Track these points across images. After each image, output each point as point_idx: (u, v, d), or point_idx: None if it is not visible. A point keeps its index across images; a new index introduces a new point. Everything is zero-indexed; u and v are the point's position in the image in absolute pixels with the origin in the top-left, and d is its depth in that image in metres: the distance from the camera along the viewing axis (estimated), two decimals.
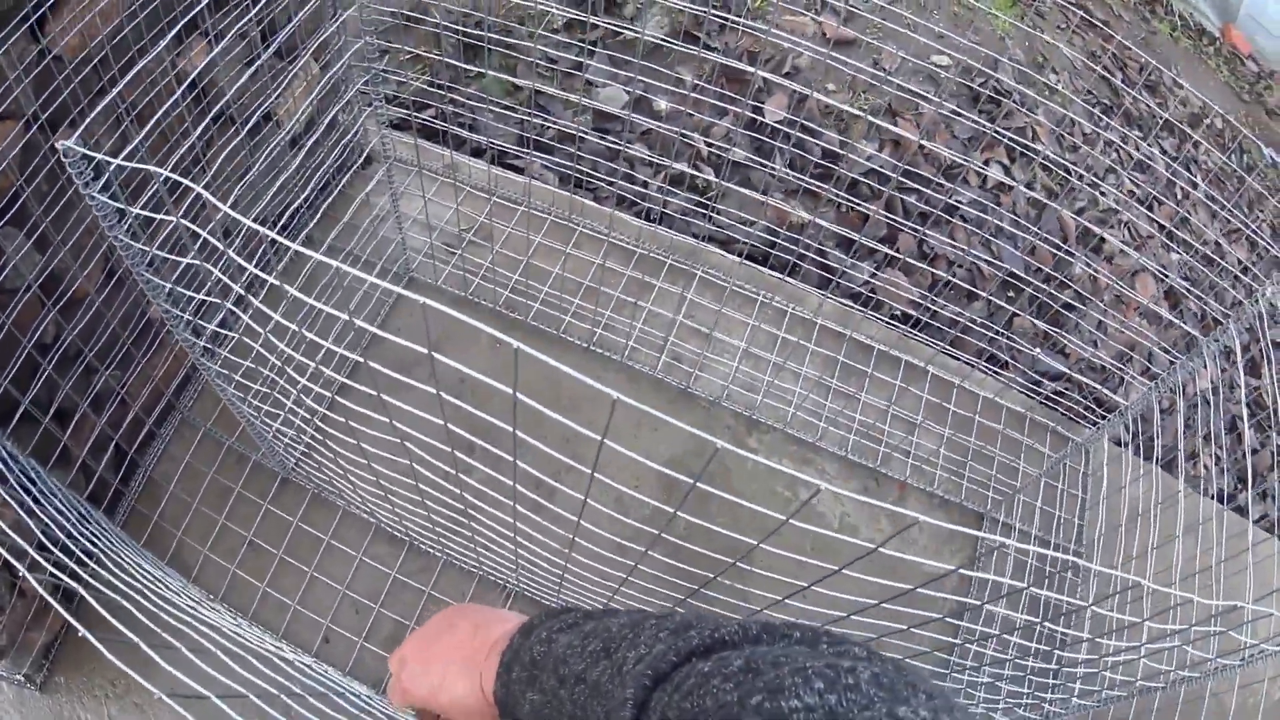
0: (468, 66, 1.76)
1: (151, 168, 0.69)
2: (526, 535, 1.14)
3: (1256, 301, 1.37)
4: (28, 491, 1.13)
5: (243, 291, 0.73)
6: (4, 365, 1.18)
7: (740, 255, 1.81)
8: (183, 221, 0.70)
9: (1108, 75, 2.67)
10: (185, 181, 0.67)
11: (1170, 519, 1.69)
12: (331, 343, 0.71)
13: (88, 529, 1.16)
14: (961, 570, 1.06)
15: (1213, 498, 2.04)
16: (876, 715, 0.43)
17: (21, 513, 1.02)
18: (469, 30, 1.71)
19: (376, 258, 1.74)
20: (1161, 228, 2.42)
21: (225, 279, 0.73)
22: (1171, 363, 1.54)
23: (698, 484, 0.58)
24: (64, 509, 1.16)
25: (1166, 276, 1.84)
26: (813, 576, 0.69)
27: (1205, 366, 1.51)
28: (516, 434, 0.61)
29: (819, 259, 1.81)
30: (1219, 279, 1.72)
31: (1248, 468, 2.20)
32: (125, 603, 0.77)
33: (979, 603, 0.68)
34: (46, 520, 1.08)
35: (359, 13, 1.29)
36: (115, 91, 0.83)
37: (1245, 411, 1.37)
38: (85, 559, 1.05)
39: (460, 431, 0.71)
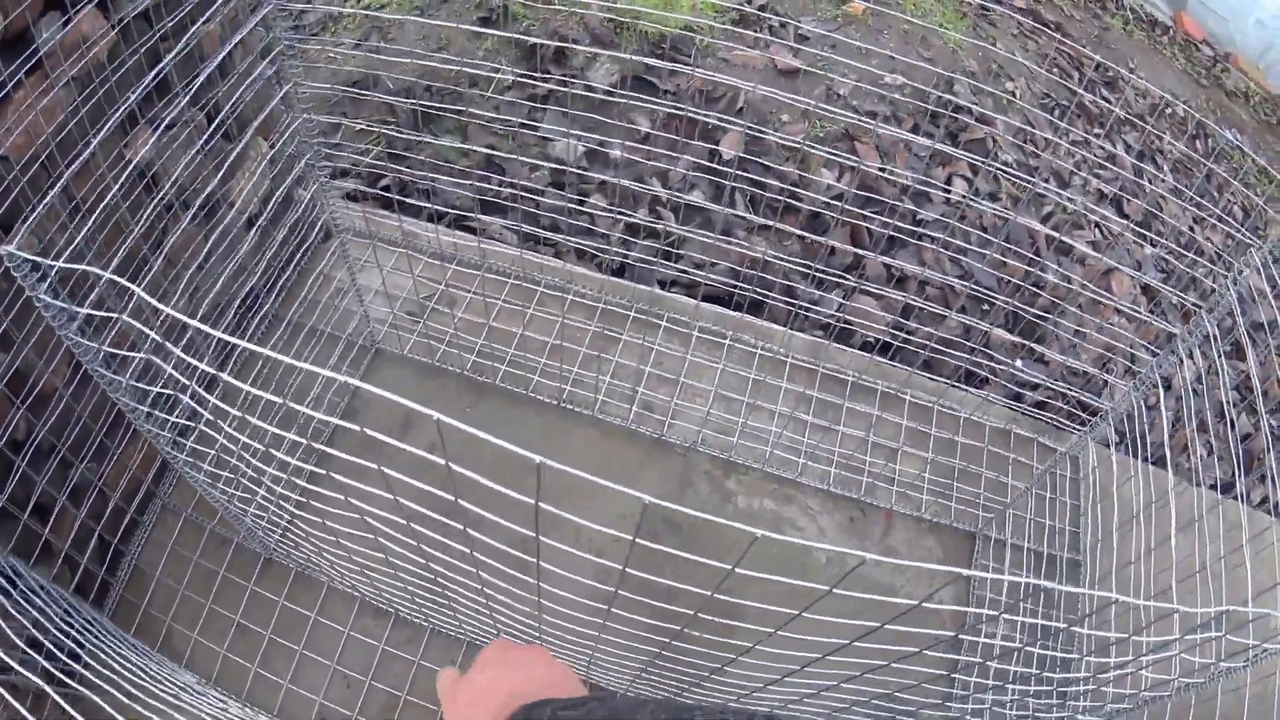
0: (418, 135, 1.75)
1: (88, 268, 0.68)
2: (505, 602, 1.12)
3: (1228, 287, 1.34)
4: (7, 594, 1.11)
5: (198, 388, 0.72)
6: None
7: (704, 299, 1.79)
8: (125, 319, 0.69)
9: (1063, 77, 2.65)
10: (121, 280, 0.66)
11: (1167, 516, 1.65)
12: (299, 427, 0.70)
13: (74, 624, 1.14)
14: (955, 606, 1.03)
15: (1212, 487, 2.00)
16: None
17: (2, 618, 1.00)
18: (418, 98, 1.70)
19: (341, 331, 1.72)
20: (1132, 223, 2.39)
21: (178, 375, 0.72)
22: (1154, 356, 1.51)
23: (678, 523, 0.56)
24: (48, 605, 1.14)
25: (1140, 273, 1.81)
26: (801, 621, 0.67)
27: (1185, 359, 1.48)
28: (490, 509, 0.59)
29: (785, 294, 1.79)
30: (1193, 269, 1.69)
31: (1237, 454, 2.16)
32: (115, 693, 0.75)
33: (977, 637, 0.65)
34: (30, 620, 1.06)
35: (293, 89, 1.27)
36: (54, 189, 0.83)
37: (1231, 397, 1.33)
38: (75, 655, 1.03)
39: (436, 505, 0.69)
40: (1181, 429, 2.08)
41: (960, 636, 1.65)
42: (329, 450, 0.64)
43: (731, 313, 1.85)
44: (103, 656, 1.02)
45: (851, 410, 1.81)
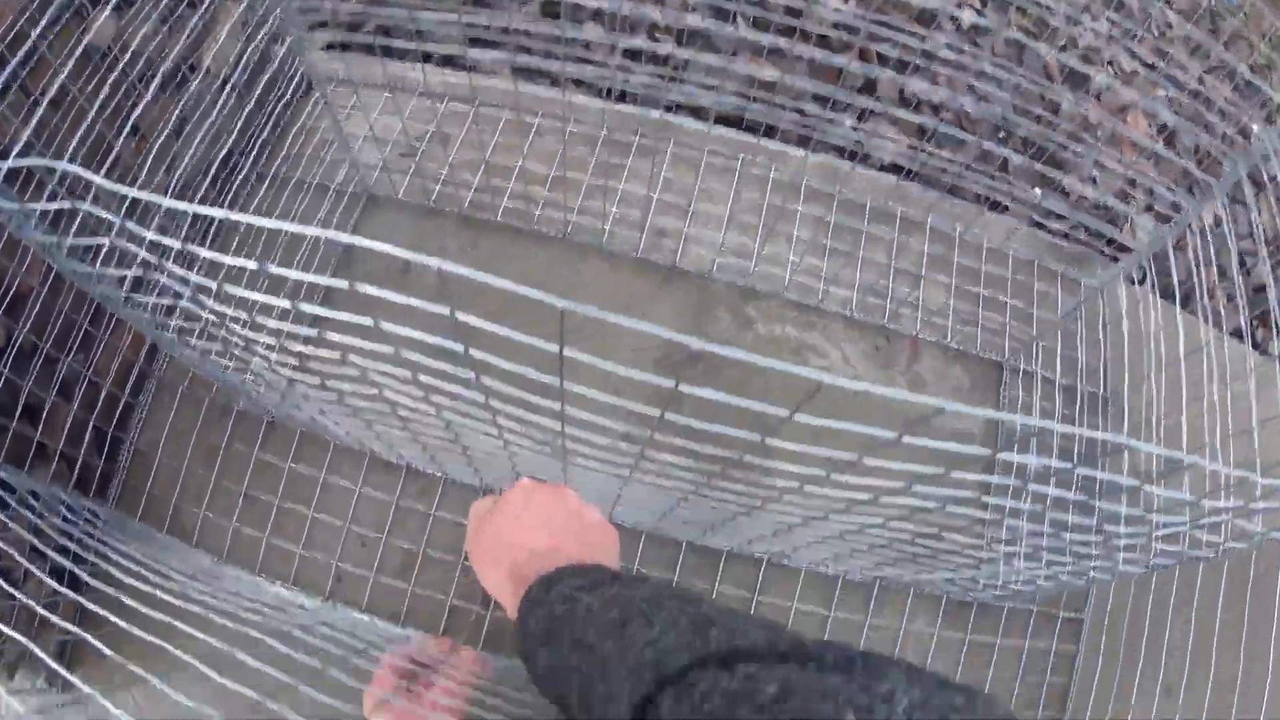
0: None
1: (40, 161, 0.58)
2: (524, 446, 1.04)
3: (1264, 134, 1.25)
4: (3, 506, 1.04)
5: (176, 268, 0.62)
6: None
7: (715, 120, 1.68)
8: (85, 206, 0.59)
9: None
10: (74, 168, 0.56)
11: (1196, 363, 1.58)
12: (290, 289, 0.61)
13: (75, 525, 1.07)
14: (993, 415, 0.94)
15: (1236, 335, 1.92)
16: None
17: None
18: None
19: (330, 182, 1.61)
20: (1148, 65, 2.27)
21: (151, 258, 0.63)
22: (1175, 206, 1.43)
23: (698, 354, 0.48)
24: (45, 514, 1.07)
25: (1158, 113, 1.70)
26: (833, 445, 0.59)
27: (1219, 203, 1.40)
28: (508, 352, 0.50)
29: (797, 115, 1.68)
30: (1207, 114, 1.60)
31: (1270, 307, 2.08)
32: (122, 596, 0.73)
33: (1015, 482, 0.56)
34: (28, 528, 1.00)
35: None
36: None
37: (1265, 250, 1.26)
38: (80, 559, 0.97)
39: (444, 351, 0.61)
40: (1206, 273, 2.00)
41: (997, 455, 1.58)
42: (324, 313, 0.57)
43: (743, 136, 1.73)
44: (110, 556, 0.95)
45: (872, 235, 1.70)
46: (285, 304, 0.56)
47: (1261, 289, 2.32)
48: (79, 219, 1.10)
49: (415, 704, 0.80)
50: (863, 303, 1.62)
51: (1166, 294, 1.91)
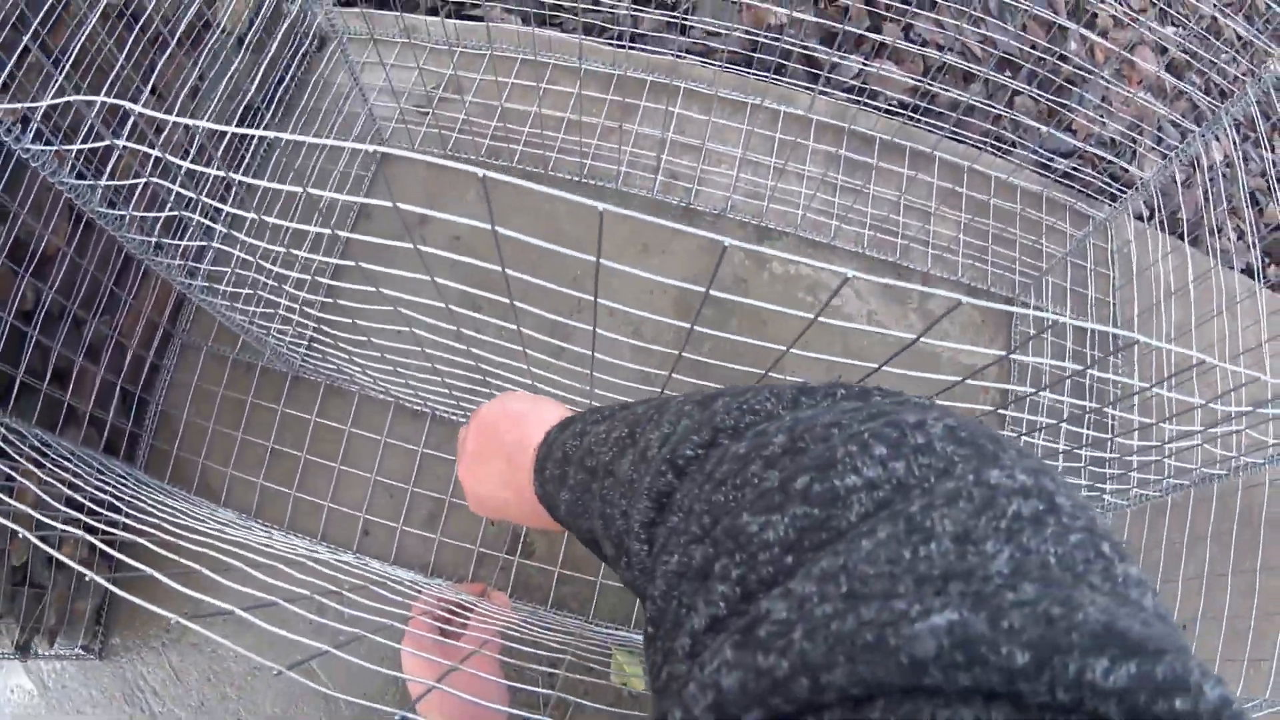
0: None
1: (72, 98, 0.57)
2: (545, 382, 1.02)
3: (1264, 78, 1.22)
4: (40, 465, 1.03)
5: (209, 200, 0.61)
6: None
7: (722, 63, 1.64)
8: (122, 143, 0.57)
9: None
10: (114, 101, 0.54)
11: (1204, 296, 1.55)
12: (319, 220, 0.60)
13: (108, 484, 1.06)
14: (1009, 356, 0.93)
15: (1244, 271, 1.90)
16: (962, 484, 0.29)
17: (38, 489, 0.92)
18: None
19: (347, 135, 1.57)
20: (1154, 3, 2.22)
21: (187, 192, 0.61)
22: (1183, 135, 1.39)
23: (714, 294, 0.45)
24: (81, 471, 1.06)
25: (1166, 49, 1.66)
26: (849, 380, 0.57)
27: (1221, 138, 1.36)
28: (528, 280, 0.49)
29: (805, 56, 1.64)
30: (1219, 52, 1.56)
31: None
32: (153, 546, 0.69)
33: (1030, 390, 0.54)
34: (67, 487, 0.99)
35: None
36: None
37: (1271, 184, 1.23)
38: (114, 517, 0.97)
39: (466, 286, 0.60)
40: (1211, 209, 1.97)
41: (1013, 389, 1.57)
42: (352, 236, 0.55)
43: (752, 76, 1.68)
44: (143, 505, 0.94)
45: (882, 172, 1.66)
46: (318, 230, 0.54)
47: (1278, 227, 2.29)
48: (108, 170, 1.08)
49: (450, 653, 0.78)
50: (874, 239, 1.60)
51: (1176, 230, 1.88)
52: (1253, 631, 1.39)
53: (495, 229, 0.48)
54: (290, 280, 1.37)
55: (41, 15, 1.08)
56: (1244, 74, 1.83)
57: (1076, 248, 1.64)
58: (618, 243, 1.54)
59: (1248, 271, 1.86)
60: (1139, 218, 1.76)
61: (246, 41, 1.38)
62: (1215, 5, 1.79)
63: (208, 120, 1.32)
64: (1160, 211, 1.55)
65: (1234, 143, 1.35)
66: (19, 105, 0.67)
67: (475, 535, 1.38)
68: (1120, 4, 2.25)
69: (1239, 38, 2.28)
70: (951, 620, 0.24)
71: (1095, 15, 2.09)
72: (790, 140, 1.65)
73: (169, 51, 1.28)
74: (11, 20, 1.07)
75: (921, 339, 0.45)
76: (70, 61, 0.99)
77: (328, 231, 0.54)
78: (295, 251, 0.68)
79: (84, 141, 0.65)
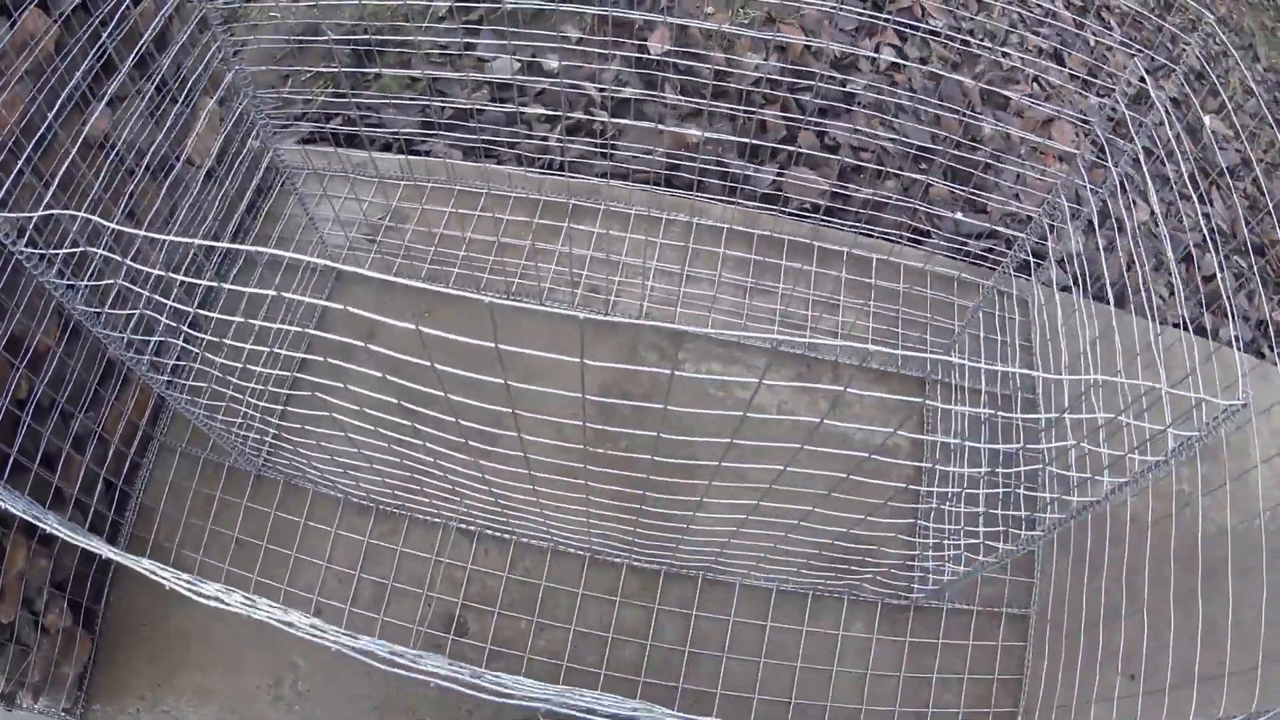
0: (365, 68, 1.73)
1: (60, 211, 0.71)
2: (474, 482, 1.12)
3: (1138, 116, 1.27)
4: (34, 532, 1.14)
5: (172, 322, 0.74)
6: None
7: (645, 182, 1.76)
8: (98, 252, 0.70)
9: None
10: (92, 218, 0.68)
11: (1122, 347, 1.59)
12: (273, 342, 0.73)
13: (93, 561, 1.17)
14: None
15: (1176, 325, 1.93)
16: None
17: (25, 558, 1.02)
18: (360, 41, 1.68)
19: (301, 260, 1.72)
20: (1073, 76, 2.29)
21: (158, 316, 0.74)
22: (1103, 202, 1.44)
23: (631, 403, 0.58)
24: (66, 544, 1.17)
25: (1087, 121, 1.73)
26: (761, 471, 0.65)
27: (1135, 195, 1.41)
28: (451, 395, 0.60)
29: (720, 171, 1.75)
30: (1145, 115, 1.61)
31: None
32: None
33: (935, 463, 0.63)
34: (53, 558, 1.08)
35: (227, 51, 1.29)
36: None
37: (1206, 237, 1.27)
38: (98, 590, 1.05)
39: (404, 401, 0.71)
40: (1134, 266, 2.01)
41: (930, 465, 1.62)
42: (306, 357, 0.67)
43: (665, 193, 1.79)
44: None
45: (791, 270, 1.75)
46: (274, 349, 0.66)
47: (1211, 278, 2.32)
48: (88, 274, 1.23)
49: None
50: (784, 334, 1.69)
51: (1088, 290, 1.91)
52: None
53: (434, 365, 0.58)
54: (250, 390, 1.50)
55: (34, 142, 1.23)
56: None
57: (971, 320, 1.69)
58: (539, 350, 1.65)
59: (1184, 326, 1.89)
60: (1064, 288, 1.81)
61: (211, 173, 1.53)
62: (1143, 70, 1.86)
63: (175, 242, 1.48)
64: (1080, 275, 1.55)
65: (1137, 202, 1.39)
66: (16, 215, 0.78)
67: (415, 616, 1.48)
68: (1038, 84, 2.33)
69: (1173, 100, 2.33)
70: None
71: (1008, 99, 2.17)
72: (701, 249, 1.75)
73: (148, 183, 1.41)
74: (8, 146, 1.21)
75: (829, 422, 0.55)
76: (57, 184, 1.12)
77: (282, 353, 0.67)
78: (252, 367, 0.80)
79: (66, 249, 0.80)
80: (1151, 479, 0.95)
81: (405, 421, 0.78)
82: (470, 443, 0.79)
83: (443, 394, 0.64)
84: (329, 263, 0.59)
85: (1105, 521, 1.55)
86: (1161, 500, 1.61)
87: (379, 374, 0.66)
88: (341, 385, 0.65)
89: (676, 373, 1.62)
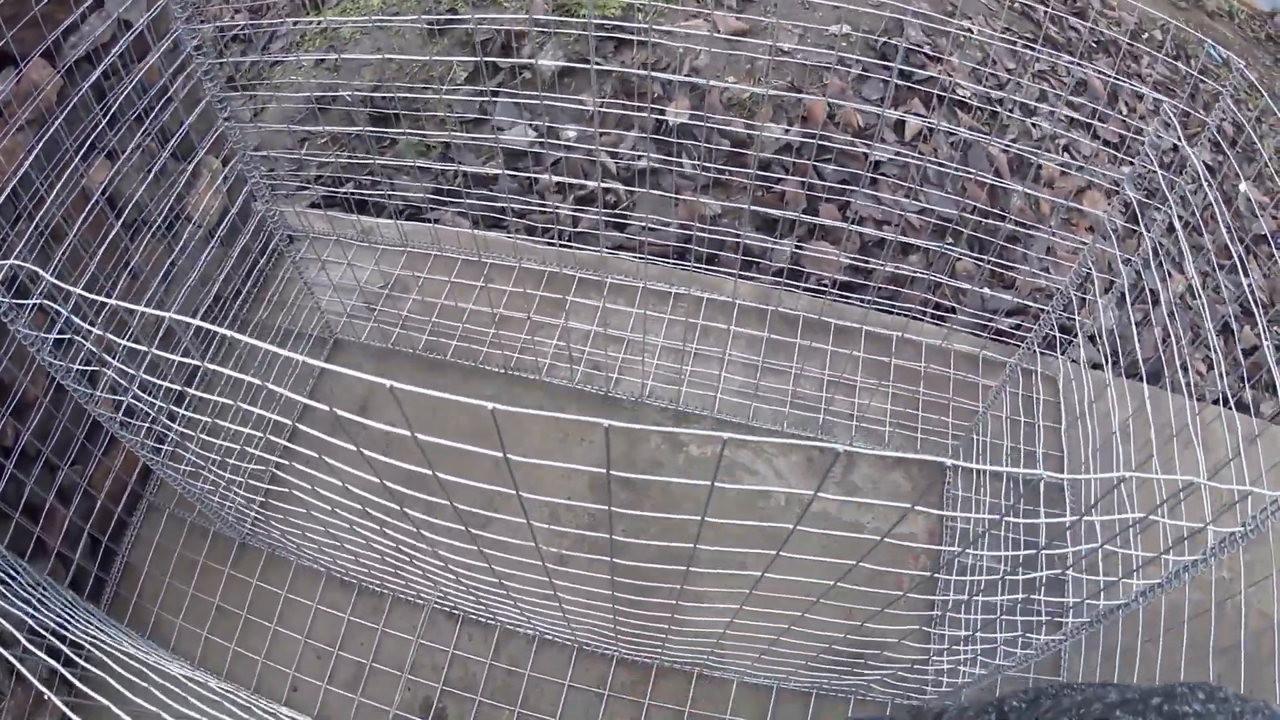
0: (379, 130, 1.63)
1: (27, 265, 0.63)
2: (466, 565, 1.00)
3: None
4: (11, 582, 1.06)
5: (165, 402, 0.64)
6: None
7: (660, 255, 1.62)
8: (83, 324, 0.62)
9: (1026, 11, 2.37)
10: (90, 295, 0.59)
11: (1156, 426, 1.41)
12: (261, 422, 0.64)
13: (74, 615, 1.09)
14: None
15: (1215, 402, 1.73)
16: None
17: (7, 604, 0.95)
18: (376, 106, 1.60)
19: (300, 327, 1.62)
20: (1107, 143, 2.12)
21: (146, 398, 0.65)
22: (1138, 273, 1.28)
23: (630, 477, 0.48)
24: (49, 599, 1.08)
25: (1117, 184, 1.56)
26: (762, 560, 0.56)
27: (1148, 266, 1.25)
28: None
29: (736, 244, 1.62)
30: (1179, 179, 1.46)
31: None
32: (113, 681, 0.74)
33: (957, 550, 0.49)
34: (35, 608, 1.02)
35: (233, 113, 1.20)
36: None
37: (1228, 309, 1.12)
38: (77, 645, 0.98)
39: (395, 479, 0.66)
40: (1168, 339, 1.82)
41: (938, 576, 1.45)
42: (290, 445, 0.59)
43: (676, 268, 1.66)
44: (104, 646, 0.95)
45: (806, 349, 1.60)
46: (256, 433, 0.57)
47: (1251, 350, 2.11)
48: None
49: None
50: (795, 417, 1.52)
51: (1119, 367, 1.73)
52: None
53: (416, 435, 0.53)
54: (234, 468, 1.39)
55: (30, 195, 1.17)
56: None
57: (994, 401, 1.52)
58: (538, 430, 1.51)
59: (1225, 401, 1.71)
60: (1095, 365, 1.63)
61: (213, 235, 1.44)
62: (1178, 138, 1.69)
63: (177, 309, 1.38)
64: (1105, 353, 1.41)
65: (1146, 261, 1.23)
66: (17, 302, 0.74)
67: (392, 699, 1.34)
68: (1069, 152, 2.16)
69: (1206, 165, 2.14)
70: None
71: (1040, 168, 2.01)
72: (711, 326, 1.61)
73: (149, 240, 1.33)
74: (4, 192, 1.13)
75: (836, 501, 0.44)
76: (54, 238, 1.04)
77: (262, 436, 0.56)
78: (234, 460, 0.71)
79: (58, 330, 0.73)
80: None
81: (393, 505, 0.71)
82: (467, 529, 0.69)
83: (432, 473, 0.57)
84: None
85: (1138, 616, 1.38)
86: (1201, 590, 1.45)
87: (369, 452, 0.60)
88: (321, 476, 0.56)
89: (677, 456, 1.49)
